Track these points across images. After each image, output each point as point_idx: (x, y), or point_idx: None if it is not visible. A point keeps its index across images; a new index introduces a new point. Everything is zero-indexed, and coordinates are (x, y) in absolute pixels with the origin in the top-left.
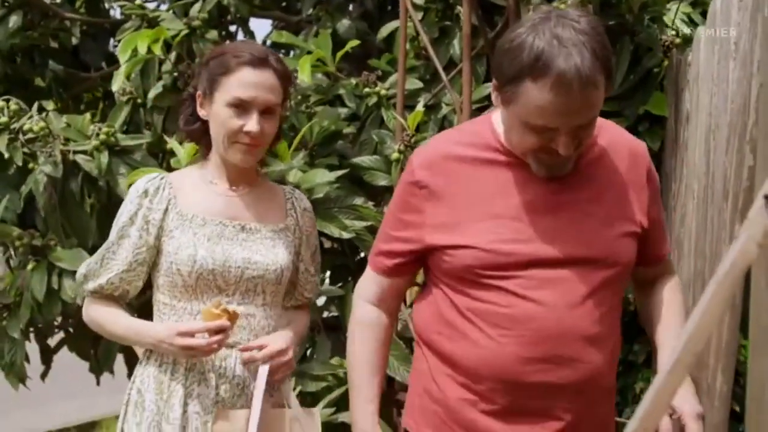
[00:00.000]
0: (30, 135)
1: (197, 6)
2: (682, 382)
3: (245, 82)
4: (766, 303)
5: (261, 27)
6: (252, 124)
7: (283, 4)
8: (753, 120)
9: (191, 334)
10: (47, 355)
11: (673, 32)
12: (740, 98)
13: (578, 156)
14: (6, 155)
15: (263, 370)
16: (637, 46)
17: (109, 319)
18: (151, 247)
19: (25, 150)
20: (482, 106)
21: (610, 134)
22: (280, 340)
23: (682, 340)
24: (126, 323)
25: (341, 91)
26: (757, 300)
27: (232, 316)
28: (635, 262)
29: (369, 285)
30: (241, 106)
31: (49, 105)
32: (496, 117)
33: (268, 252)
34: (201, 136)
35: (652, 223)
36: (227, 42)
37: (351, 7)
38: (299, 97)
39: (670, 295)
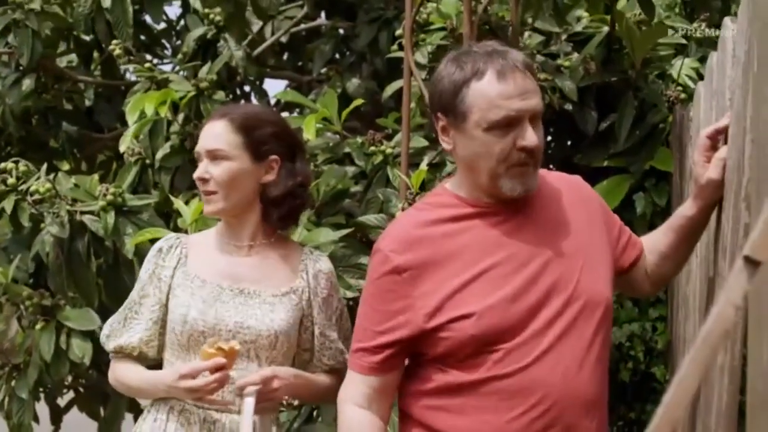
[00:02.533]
0: (37, 196)
1: (206, 68)
2: None
3: (203, 133)
4: (762, 367)
5: (276, 87)
6: (199, 169)
7: (299, 63)
8: (747, 177)
9: (192, 376)
10: (57, 416)
11: (680, 88)
12: (735, 154)
13: (541, 189)
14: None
15: (249, 402)
16: (642, 102)
17: (127, 375)
18: (162, 305)
19: (33, 211)
20: None
21: (549, 175)
22: (269, 370)
23: (660, 410)
24: (140, 375)
25: (347, 150)
26: (753, 364)
27: (229, 353)
28: (631, 267)
29: (355, 387)
30: (198, 156)
31: (64, 166)
32: (449, 184)
33: (264, 317)
34: None
35: (618, 230)
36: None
37: (362, 66)
38: (307, 156)
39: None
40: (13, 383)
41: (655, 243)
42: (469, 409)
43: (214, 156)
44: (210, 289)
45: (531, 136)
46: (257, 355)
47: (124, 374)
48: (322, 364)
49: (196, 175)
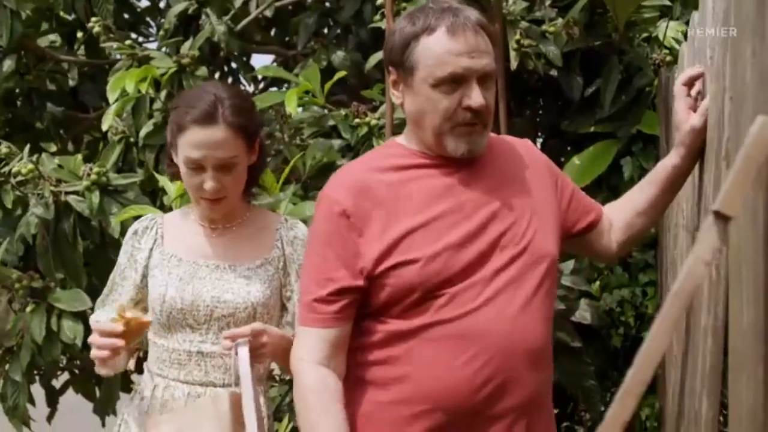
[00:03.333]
0: (20, 178)
1: (188, 44)
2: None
3: (194, 142)
4: (742, 327)
5: (263, 61)
6: (208, 183)
7: (287, 38)
8: (726, 136)
9: (95, 344)
10: (52, 397)
11: (666, 51)
12: (715, 113)
13: (491, 148)
14: None
15: (243, 351)
16: (627, 66)
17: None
18: (137, 286)
19: (18, 193)
20: None
21: (498, 138)
22: (259, 324)
23: (633, 367)
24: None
25: (331, 122)
26: (734, 323)
27: (130, 323)
28: (587, 230)
29: (312, 343)
30: (195, 166)
31: (51, 147)
32: (399, 138)
33: (240, 290)
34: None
35: (569, 193)
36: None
37: (348, 38)
38: (292, 130)
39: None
40: (6, 366)
41: (627, 203)
42: (414, 358)
43: (224, 165)
44: (186, 267)
45: (477, 96)
46: (237, 327)
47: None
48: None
49: (211, 190)
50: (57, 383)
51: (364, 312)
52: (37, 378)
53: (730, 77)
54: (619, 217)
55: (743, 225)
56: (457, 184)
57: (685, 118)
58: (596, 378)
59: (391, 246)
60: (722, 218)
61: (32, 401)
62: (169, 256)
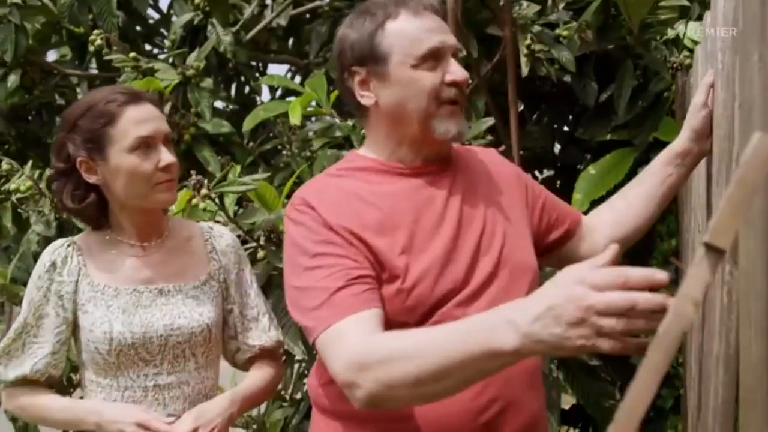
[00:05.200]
0: (19, 195)
1: (193, 54)
2: None
3: (139, 118)
4: (752, 360)
5: (279, 71)
6: (165, 156)
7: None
8: (737, 146)
9: (146, 427)
10: None
11: (686, 52)
12: (725, 123)
13: (457, 157)
14: None
15: None
16: (644, 70)
17: (43, 405)
18: (70, 324)
19: (20, 211)
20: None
21: (465, 148)
22: (189, 418)
23: (621, 407)
24: (64, 405)
25: (338, 134)
26: (744, 356)
27: None
28: (562, 241)
29: (355, 329)
30: (145, 146)
31: None
32: (361, 150)
33: (192, 312)
34: (96, 207)
35: (542, 202)
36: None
37: None
38: (301, 142)
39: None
40: None
41: (620, 201)
42: None
43: (168, 140)
44: (127, 297)
45: (458, 69)
46: (193, 353)
47: (38, 404)
48: (249, 347)
49: (169, 160)
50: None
51: None
52: None
53: (740, 83)
54: (608, 214)
55: (753, 251)
56: (431, 197)
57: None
58: (617, 397)
59: (378, 270)
60: (715, 251)
61: None
62: (101, 287)
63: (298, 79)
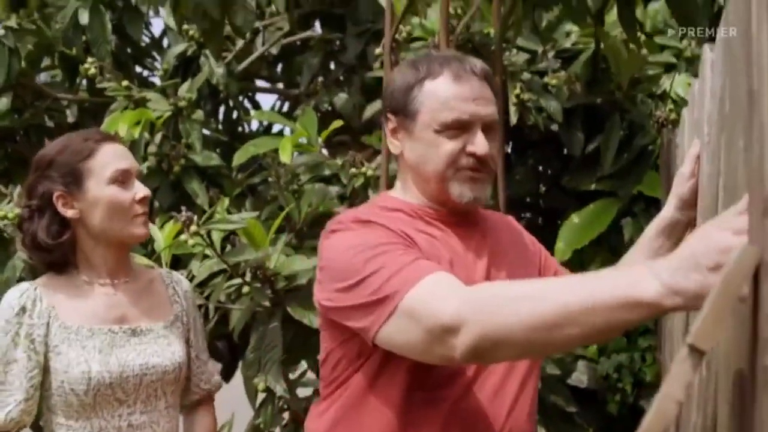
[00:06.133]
0: (6, 222)
1: (185, 85)
2: None
3: (116, 154)
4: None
5: (270, 101)
6: (141, 190)
7: (294, 76)
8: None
9: None
10: None
11: (672, 106)
12: (708, 197)
13: (483, 219)
14: None
15: None
16: (630, 124)
17: None
18: (41, 368)
19: (5, 236)
20: None
21: (484, 211)
22: None
23: None
24: None
25: (327, 172)
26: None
27: None
28: None
29: (452, 278)
30: (122, 178)
31: None
32: (393, 192)
33: (164, 351)
34: (72, 243)
35: (553, 271)
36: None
37: (353, 79)
38: (289, 176)
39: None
40: None
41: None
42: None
43: (139, 176)
44: (101, 337)
45: (482, 143)
46: (164, 392)
47: None
48: (199, 390)
49: (145, 193)
50: None
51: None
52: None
53: (724, 162)
54: None
55: (731, 330)
56: (455, 245)
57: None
58: None
59: None
60: (697, 352)
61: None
62: (74, 329)
63: (286, 106)
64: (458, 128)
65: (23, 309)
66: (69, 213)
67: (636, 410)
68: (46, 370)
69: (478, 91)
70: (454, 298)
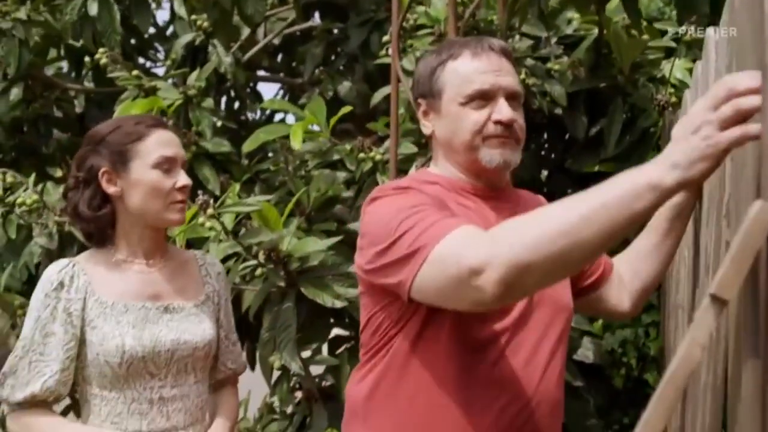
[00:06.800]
0: (24, 208)
1: (194, 74)
2: None
3: (164, 141)
4: (740, 392)
5: (271, 89)
6: (184, 178)
7: (293, 64)
8: (728, 194)
9: None
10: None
11: (672, 90)
12: (717, 170)
13: (516, 195)
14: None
15: None
16: (632, 107)
17: (49, 429)
18: (78, 340)
19: (21, 222)
20: None
21: (518, 190)
22: None
23: None
24: (74, 428)
25: (336, 157)
26: (733, 388)
27: None
28: (598, 286)
29: (476, 228)
30: (166, 165)
31: (57, 172)
32: (430, 168)
33: (196, 329)
34: (108, 219)
35: None
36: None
37: (355, 68)
38: (297, 162)
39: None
40: None
41: (630, 251)
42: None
43: (183, 164)
44: (135, 313)
45: (506, 110)
46: (193, 367)
47: (45, 428)
48: (226, 369)
49: (186, 182)
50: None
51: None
52: None
53: None
54: (624, 267)
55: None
56: (492, 215)
57: None
58: (598, 417)
59: None
60: (719, 302)
61: None
62: (109, 304)
63: (287, 96)
64: (481, 98)
65: (61, 284)
66: (111, 189)
67: (640, 383)
68: (82, 342)
69: (497, 63)
70: (479, 243)
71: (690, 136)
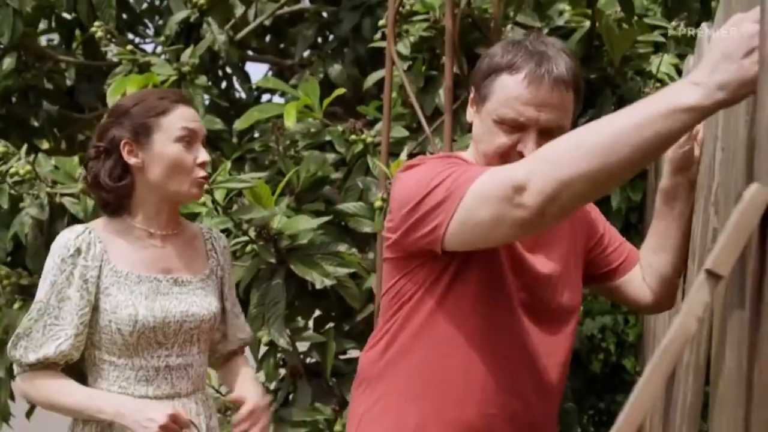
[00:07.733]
0: (17, 178)
1: (188, 51)
2: None
3: (187, 116)
4: (723, 369)
5: (258, 69)
6: (204, 155)
7: (281, 46)
8: (717, 182)
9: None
10: None
11: (658, 84)
12: (706, 158)
13: None
14: None
15: None
16: (620, 99)
17: (60, 391)
18: (92, 307)
19: (12, 192)
20: None
21: None
22: (256, 396)
23: (623, 412)
24: (84, 395)
25: (327, 137)
26: (716, 365)
27: None
28: (617, 276)
29: (498, 168)
30: (188, 139)
31: (43, 144)
32: (464, 154)
33: (202, 302)
34: (130, 189)
35: (600, 234)
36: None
37: (345, 52)
38: (287, 141)
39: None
40: None
41: (644, 245)
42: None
43: (204, 141)
44: (148, 284)
45: (531, 146)
46: (198, 338)
47: (52, 390)
48: (237, 339)
49: (206, 158)
50: None
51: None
52: None
53: (723, 127)
54: (642, 262)
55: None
56: None
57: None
58: (575, 401)
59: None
60: (713, 276)
61: (12, 397)
62: (124, 273)
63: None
64: (513, 126)
65: (78, 251)
66: (132, 161)
67: (618, 369)
68: (95, 309)
69: (544, 98)
70: (519, 164)
71: (740, 60)
